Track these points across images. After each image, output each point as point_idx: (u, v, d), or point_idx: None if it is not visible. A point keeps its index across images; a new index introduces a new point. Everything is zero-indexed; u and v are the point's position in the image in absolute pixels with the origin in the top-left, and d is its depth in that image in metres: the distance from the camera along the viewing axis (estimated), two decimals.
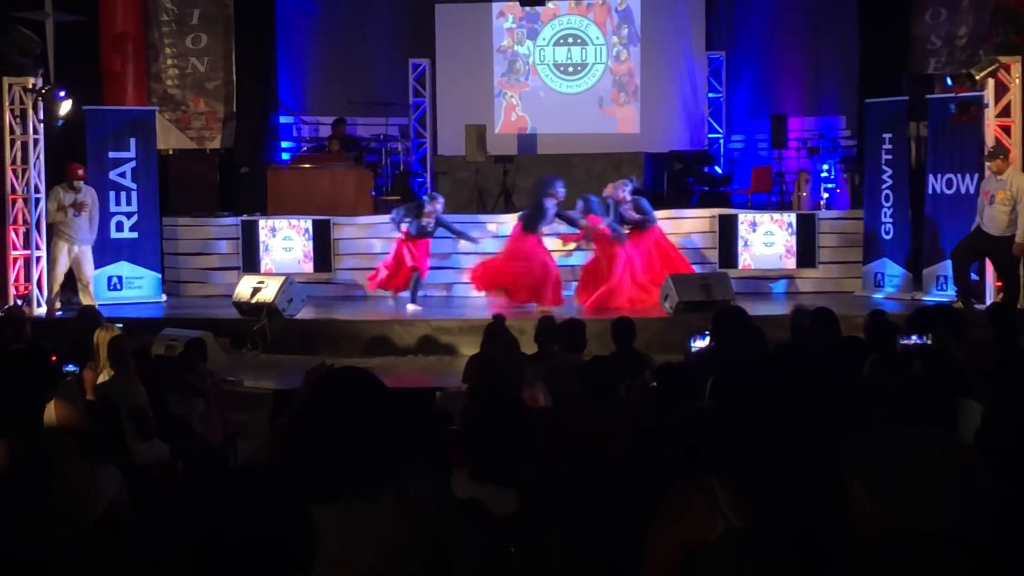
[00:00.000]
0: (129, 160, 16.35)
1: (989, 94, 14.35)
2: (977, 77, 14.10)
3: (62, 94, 14.85)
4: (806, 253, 16.27)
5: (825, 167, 18.15)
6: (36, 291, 15.15)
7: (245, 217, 16.99)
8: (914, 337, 6.71)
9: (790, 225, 16.32)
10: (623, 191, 15.16)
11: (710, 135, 19.67)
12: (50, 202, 14.92)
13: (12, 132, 15.05)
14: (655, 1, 19.49)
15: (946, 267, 14.65)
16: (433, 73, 19.51)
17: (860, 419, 4.64)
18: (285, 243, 16.61)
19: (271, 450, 6.18)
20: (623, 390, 7.57)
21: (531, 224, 14.94)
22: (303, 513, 2.64)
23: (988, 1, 15.97)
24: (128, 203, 16.33)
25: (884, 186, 15.81)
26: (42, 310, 15.09)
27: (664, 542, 3.48)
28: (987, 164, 13.89)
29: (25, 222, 15.14)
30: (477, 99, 19.30)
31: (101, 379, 8.33)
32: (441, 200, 15.42)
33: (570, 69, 19.58)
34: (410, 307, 14.88)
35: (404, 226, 14.98)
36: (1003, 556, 4.19)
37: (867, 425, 4.58)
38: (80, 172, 15.17)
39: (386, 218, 16.18)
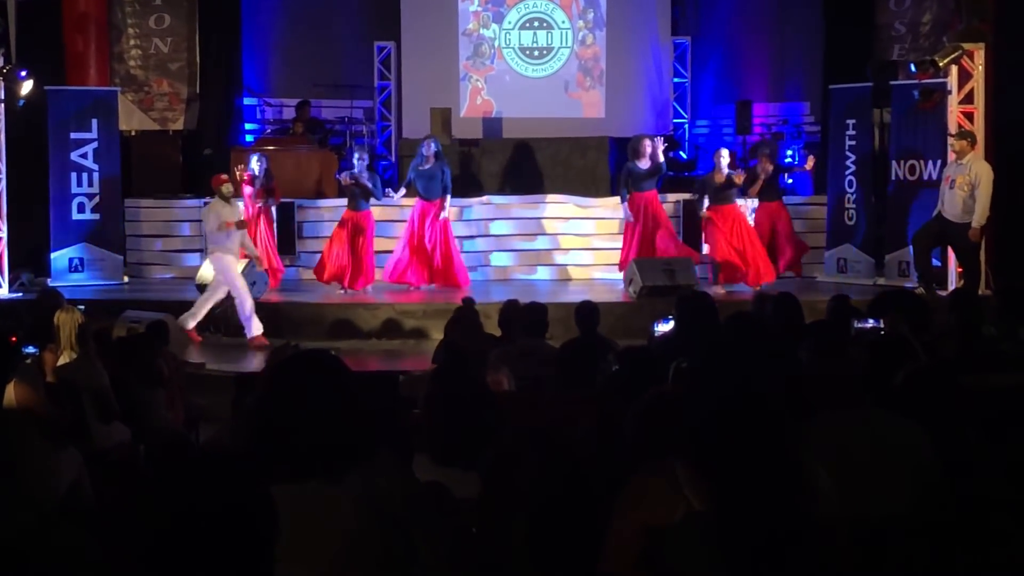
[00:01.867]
0: (91, 141, 16.25)
1: (952, 81, 14.44)
2: (941, 64, 14.18)
3: (23, 74, 14.73)
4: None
5: (789, 153, 18.21)
6: None
7: (208, 199, 16.89)
8: (870, 321, 6.76)
9: (754, 211, 16.36)
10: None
11: (675, 120, 19.71)
12: (211, 220, 13.59)
13: None
14: None
15: (908, 253, 14.74)
16: (398, 56, 19.45)
17: (814, 404, 4.67)
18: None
19: (234, 432, 6.15)
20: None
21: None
22: (265, 495, 2.62)
23: None
24: (90, 184, 16.24)
25: (848, 172, 15.89)
26: (2, 291, 14.98)
27: (626, 525, 3.48)
28: (952, 143, 13.91)
29: None
30: (442, 82, 19.25)
31: (61, 361, 8.28)
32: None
33: (536, 53, 19.55)
34: None
35: None
36: (952, 536, 4.23)
37: (818, 410, 4.61)
38: (225, 177, 13.99)
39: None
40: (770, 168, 15.27)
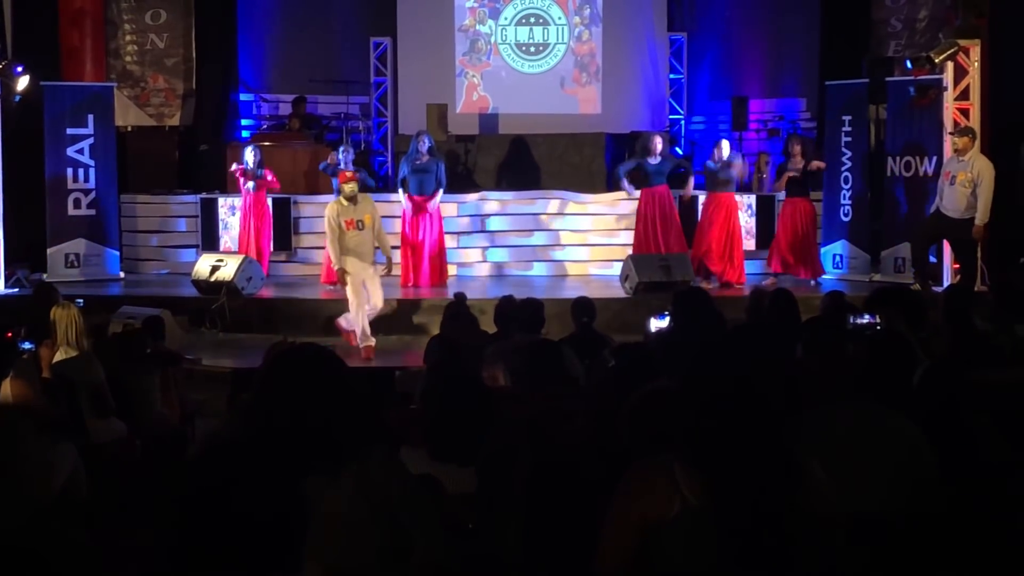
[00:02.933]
0: (87, 137, 16.21)
1: (948, 77, 14.44)
2: (936, 60, 14.19)
3: (20, 70, 14.72)
4: (766, 234, 16.33)
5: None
6: None
7: (204, 195, 16.90)
8: (867, 316, 6.77)
9: (750, 207, 16.37)
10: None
11: (671, 116, 19.70)
12: (327, 224, 12.59)
13: None
14: None
15: (904, 249, 14.74)
16: (394, 52, 19.44)
17: (807, 400, 4.68)
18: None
19: (231, 427, 6.15)
20: (578, 368, 7.58)
21: None
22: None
23: None
24: (86, 180, 16.21)
25: (843, 168, 15.88)
26: None
27: (622, 521, 3.49)
28: (954, 140, 13.83)
29: None
30: (438, 78, 19.24)
31: (58, 357, 8.27)
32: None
33: (532, 49, 19.55)
34: None
35: None
36: (947, 533, 4.24)
37: (811, 406, 4.62)
38: (351, 174, 12.93)
39: None
40: (800, 164, 15.25)
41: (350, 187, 12.58)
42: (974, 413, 4.97)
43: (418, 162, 15.08)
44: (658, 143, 15.31)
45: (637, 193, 15.41)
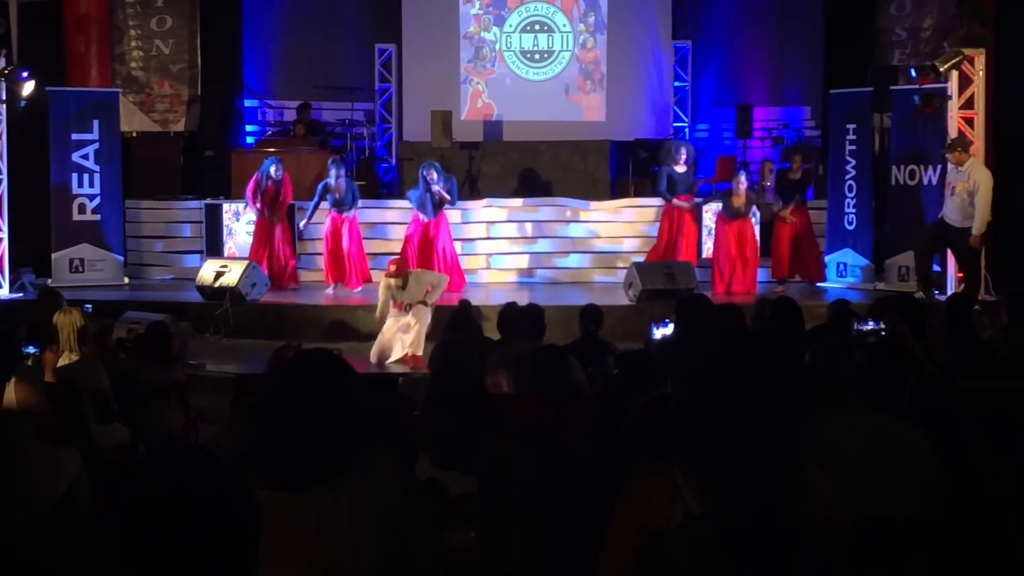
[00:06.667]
0: (92, 142, 16.25)
1: (953, 86, 14.44)
2: (941, 69, 14.19)
3: (25, 75, 14.74)
4: (769, 244, 16.33)
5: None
6: None
7: (209, 201, 16.91)
8: (871, 323, 6.78)
9: (754, 214, 16.36)
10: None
11: (675, 124, 19.71)
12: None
13: None
14: None
15: (908, 257, 14.74)
16: (399, 58, 19.48)
17: (812, 406, 4.68)
18: (248, 227, 16.51)
19: (233, 431, 6.15)
20: (581, 375, 7.59)
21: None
22: (248, 493, 2.59)
23: None
24: (91, 185, 16.25)
25: (848, 176, 15.89)
26: (2, 291, 14.98)
27: (624, 528, 3.48)
28: (947, 156, 13.95)
29: None
30: (443, 85, 19.28)
31: (62, 362, 8.28)
32: None
33: (536, 56, 19.57)
34: None
35: None
36: (951, 539, 4.24)
37: (815, 412, 4.62)
38: (392, 269, 12.37)
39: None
40: (797, 175, 15.45)
41: (396, 281, 12.30)
42: (964, 423, 4.97)
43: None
44: (683, 152, 15.50)
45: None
